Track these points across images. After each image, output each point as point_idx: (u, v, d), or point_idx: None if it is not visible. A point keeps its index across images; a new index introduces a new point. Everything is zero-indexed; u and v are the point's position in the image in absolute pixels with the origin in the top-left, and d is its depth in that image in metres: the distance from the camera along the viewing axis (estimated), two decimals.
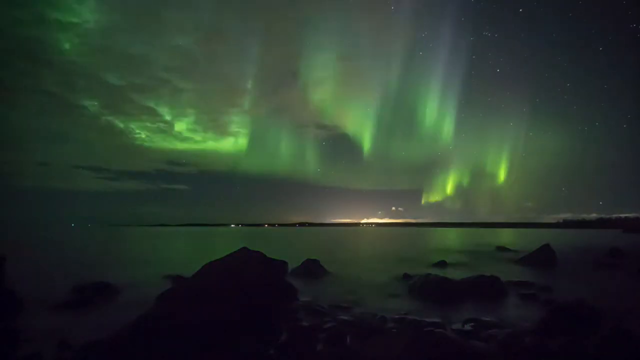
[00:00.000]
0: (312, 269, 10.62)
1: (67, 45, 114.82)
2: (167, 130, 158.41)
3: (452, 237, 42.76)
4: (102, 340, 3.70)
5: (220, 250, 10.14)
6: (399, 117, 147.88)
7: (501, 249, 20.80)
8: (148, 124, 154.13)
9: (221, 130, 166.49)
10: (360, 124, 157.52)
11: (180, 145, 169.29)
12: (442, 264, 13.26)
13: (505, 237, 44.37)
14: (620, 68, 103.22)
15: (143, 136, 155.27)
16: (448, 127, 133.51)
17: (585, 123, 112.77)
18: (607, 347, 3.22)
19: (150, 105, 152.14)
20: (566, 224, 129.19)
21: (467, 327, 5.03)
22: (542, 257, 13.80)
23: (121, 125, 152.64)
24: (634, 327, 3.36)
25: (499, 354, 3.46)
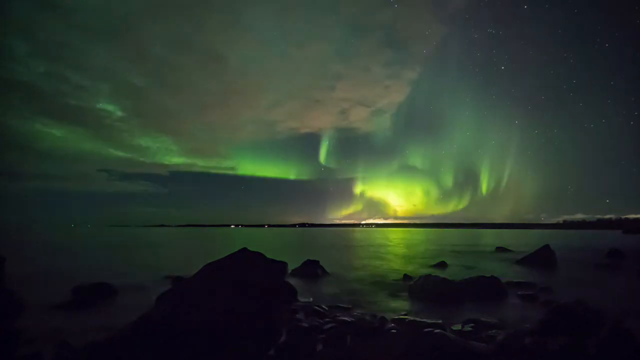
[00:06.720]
0: (312, 270, 10.62)
1: (95, 49, 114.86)
2: (182, 132, 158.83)
3: (452, 238, 42.73)
4: (102, 340, 3.70)
5: (220, 251, 10.11)
6: (404, 118, 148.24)
7: (501, 249, 20.80)
8: (166, 126, 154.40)
9: (234, 132, 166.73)
10: (372, 124, 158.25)
11: (194, 146, 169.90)
12: (442, 265, 13.27)
13: (505, 237, 44.33)
14: (627, 65, 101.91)
15: (160, 138, 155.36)
16: (450, 127, 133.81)
17: (591, 121, 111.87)
18: (607, 348, 3.22)
19: (169, 108, 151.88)
20: (566, 225, 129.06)
21: (467, 328, 5.02)
22: (542, 258, 13.81)
23: (140, 128, 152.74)
24: (634, 327, 3.37)
25: (499, 355, 3.46)
